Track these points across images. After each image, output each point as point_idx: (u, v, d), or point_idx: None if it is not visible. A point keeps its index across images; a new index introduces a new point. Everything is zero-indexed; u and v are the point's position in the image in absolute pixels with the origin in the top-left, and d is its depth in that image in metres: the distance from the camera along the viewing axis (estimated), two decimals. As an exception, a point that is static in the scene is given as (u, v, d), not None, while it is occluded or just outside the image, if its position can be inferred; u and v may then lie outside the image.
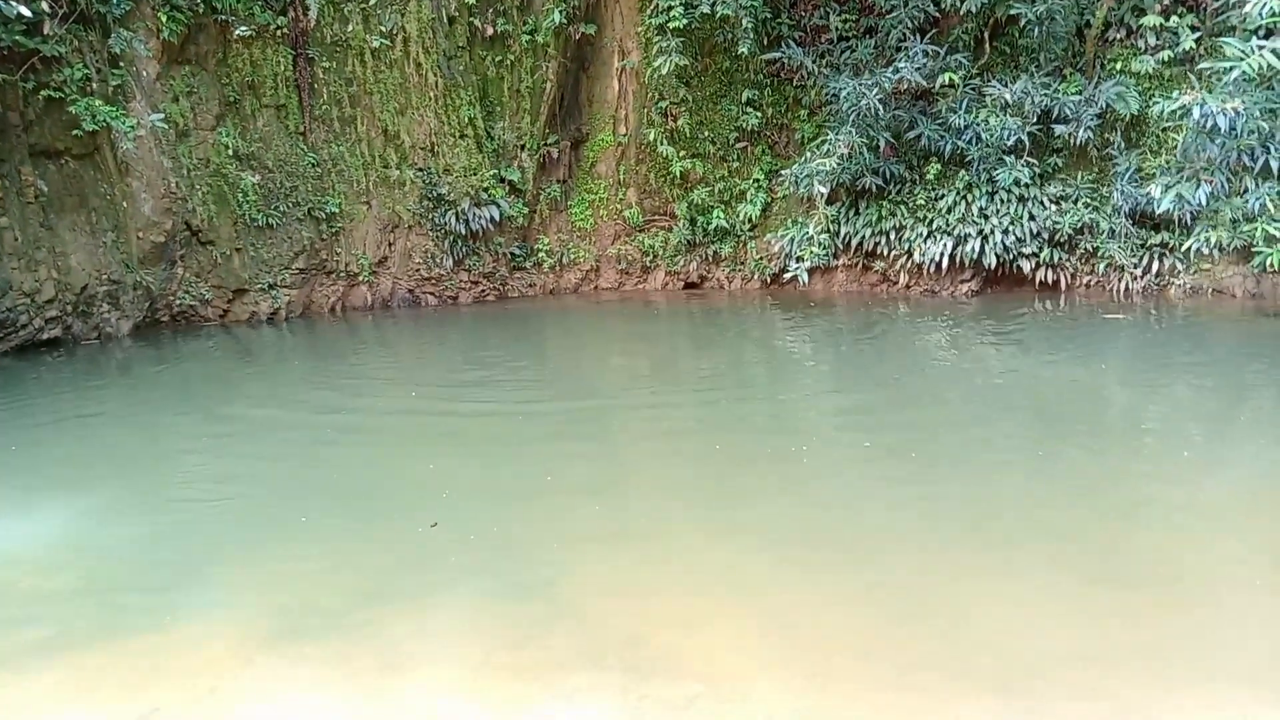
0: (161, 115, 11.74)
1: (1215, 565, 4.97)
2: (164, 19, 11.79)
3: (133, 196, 11.84)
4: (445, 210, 13.97)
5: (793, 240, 13.99)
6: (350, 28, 13.45)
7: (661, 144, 14.78)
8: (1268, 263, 10.42)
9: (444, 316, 13.47)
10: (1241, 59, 9.56)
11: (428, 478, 6.62)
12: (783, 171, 14.16)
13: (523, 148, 14.83)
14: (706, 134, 15.00)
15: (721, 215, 14.85)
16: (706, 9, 13.53)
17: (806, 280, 13.73)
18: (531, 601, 4.72)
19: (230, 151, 12.60)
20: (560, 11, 14.26)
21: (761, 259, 14.80)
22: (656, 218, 15.38)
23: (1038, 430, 7.44)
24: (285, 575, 5.09)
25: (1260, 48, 9.49)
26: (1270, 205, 10.37)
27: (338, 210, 13.44)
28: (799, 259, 13.82)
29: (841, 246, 13.88)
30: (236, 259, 12.77)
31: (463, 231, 14.03)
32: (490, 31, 14.33)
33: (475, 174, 14.20)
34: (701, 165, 14.98)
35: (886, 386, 9.09)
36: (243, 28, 12.53)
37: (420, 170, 13.93)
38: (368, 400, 8.99)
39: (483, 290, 14.53)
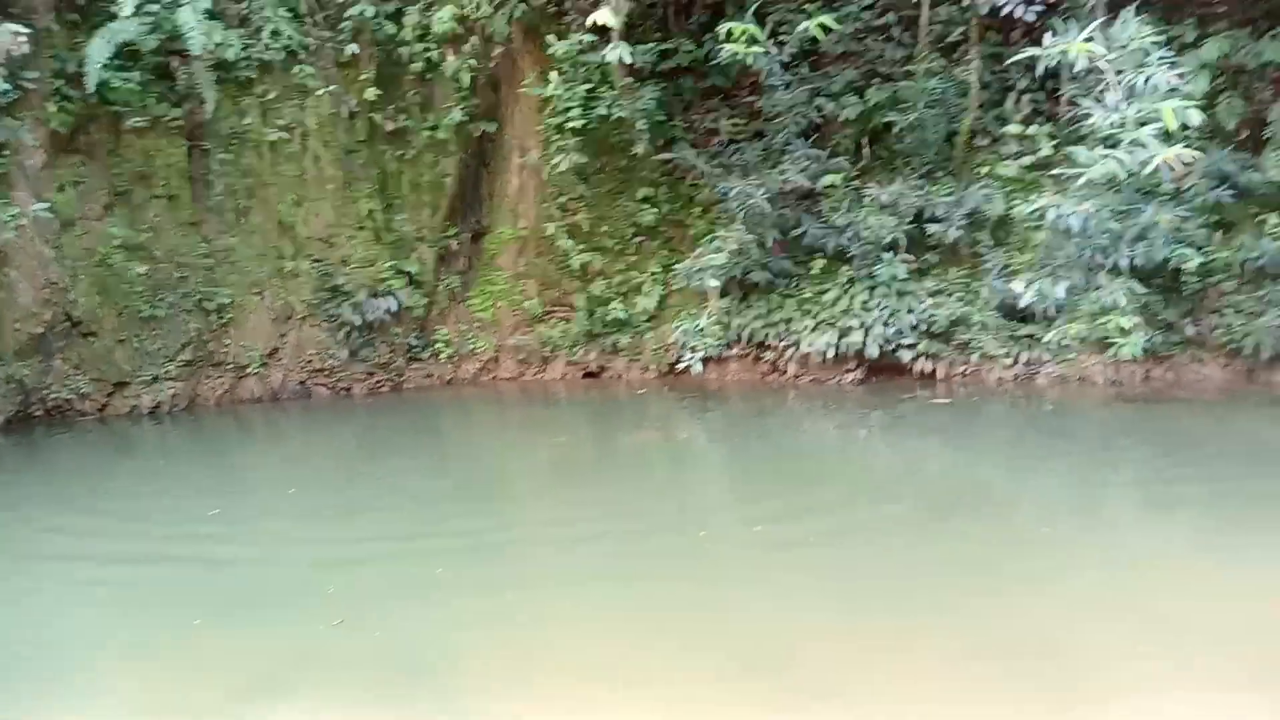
0: (46, 204, 11.52)
1: (1095, 639, 5.26)
2: (53, 109, 11.68)
3: (10, 286, 11.50)
4: (341, 301, 13.92)
5: (687, 332, 14.32)
6: (248, 120, 13.51)
7: (561, 238, 15.09)
8: (1122, 353, 11.20)
9: (337, 409, 13.29)
10: (1089, 166, 10.38)
11: (310, 579, 6.50)
12: (677, 266, 14.58)
13: (422, 240, 14.96)
14: (605, 229, 15.37)
15: (620, 307, 15.13)
16: (604, 110, 14.03)
17: (701, 370, 14.03)
18: (413, 692, 4.71)
19: (118, 242, 12.39)
20: (461, 110, 14.61)
21: (659, 349, 15.07)
22: (556, 309, 15.59)
23: (920, 514, 7.74)
24: (157, 676, 4.95)
25: (1105, 156, 10.32)
26: (1122, 299, 11.17)
27: (229, 301, 13.25)
28: (693, 350, 14.14)
29: (734, 338, 14.27)
30: (119, 351, 12.43)
31: (359, 322, 13.96)
32: (391, 127, 14.57)
33: (373, 265, 14.24)
34: (600, 259, 15.31)
35: (777, 474, 9.34)
36: (136, 119, 12.47)
37: (316, 261, 13.89)
38: (247, 501, 8.79)
39: (378, 381, 14.40)
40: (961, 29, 13.64)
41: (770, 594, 6.10)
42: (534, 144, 15.35)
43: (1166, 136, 9.98)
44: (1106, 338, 11.46)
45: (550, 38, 13.94)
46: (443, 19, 13.98)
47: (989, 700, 4.58)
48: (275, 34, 13.38)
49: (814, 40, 12.71)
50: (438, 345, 15.06)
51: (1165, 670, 4.85)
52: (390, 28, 14.22)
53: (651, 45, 14.14)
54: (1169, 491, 8.21)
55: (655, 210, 15.29)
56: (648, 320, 15.20)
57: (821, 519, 7.58)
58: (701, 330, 14.19)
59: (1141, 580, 6.12)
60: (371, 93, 14.11)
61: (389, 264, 14.39)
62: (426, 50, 14.36)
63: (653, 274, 15.28)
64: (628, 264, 15.43)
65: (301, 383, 13.86)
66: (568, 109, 14.11)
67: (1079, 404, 11.64)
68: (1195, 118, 9.83)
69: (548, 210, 15.31)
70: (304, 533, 7.54)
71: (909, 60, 13.99)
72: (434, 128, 14.75)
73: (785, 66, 13.73)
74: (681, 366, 14.36)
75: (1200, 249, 11.76)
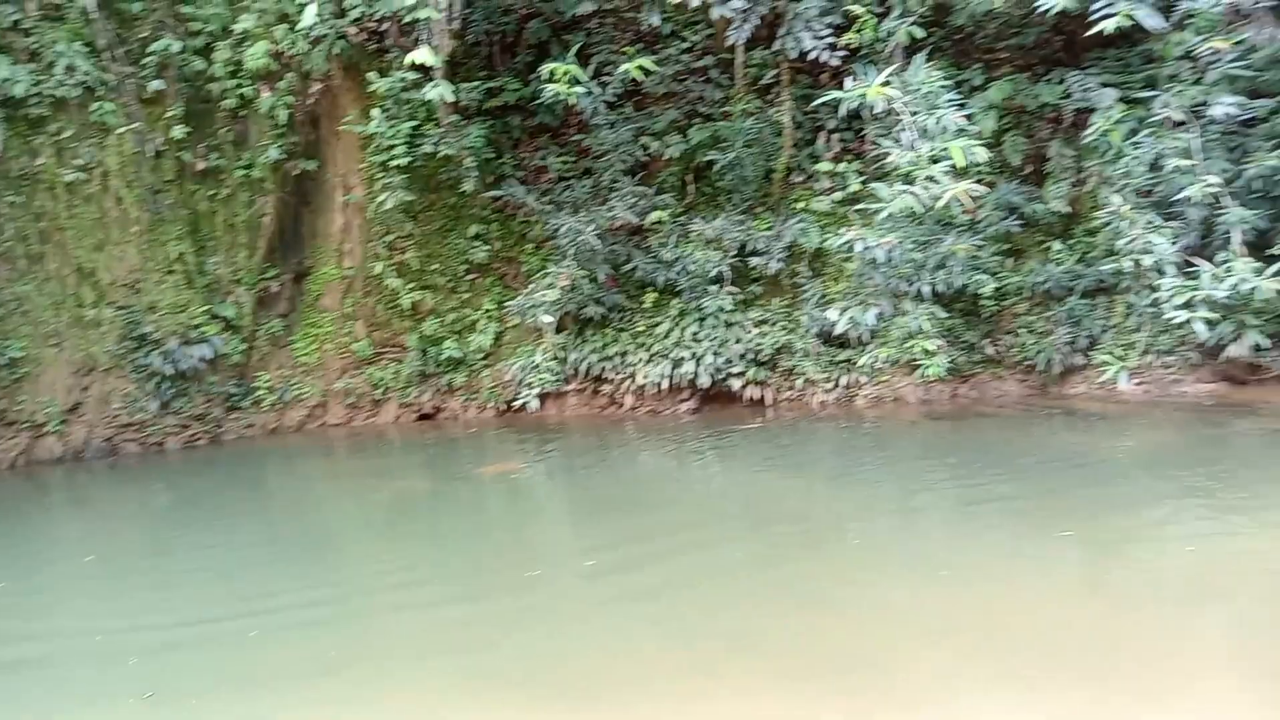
0: None
1: (918, 648, 5.53)
2: None
3: None
4: (149, 350, 13.08)
5: (524, 368, 14.31)
6: (40, 160, 12.61)
7: (389, 277, 14.78)
8: (929, 373, 11.99)
9: (147, 466, 12.44)
10: (890, 201, 11.07)
11: (110, 652, 6.06)
12: (510, 302, 14.53)
13: (239, 282, 14.28)
14: (435, 266, 15.15)
15: (454, 345, 14.92)
16: (430, 148, 13.84)
17: (539, 406, 14.02)
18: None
19: (-114, 293, 11.26)
20: (278, 148, 14.10)
21: (495, 387, 14.94)
22: (386, 350, 15.21)
23: (749, 537, 8.00)
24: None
25: (903, 191, 11.04)
26: (926, 324, 11.97)
27: (22, 354, 12.25)
28: (530, 386, 14.12)
29: (571, 372, 14.35)
30: (-109, 412, 11.26)
31: (170, 372, 13.15)
32: (202, 165, 13.89)
33: (184, 311, 13.48)
34: (432, 296, 15.07)
35: (613, 507, 9.41)
36: (-94, 159, 11.43)
37: (121, 309, 13.03)
38: (40, 572, 8.09)
39: (194, 435, 13.58)
40: (774, 72, 14.34)
41: (602, 627, 6.14)
42: (358, 182, 15.01)
43: (959, 172, 10.75)
44: (914, 360, 12.24)
45: (372, 75, 13.69)
46: (256, 55, 13.50)
47: (824, 715, 4.77)
48: (70, 69, 12.57)
49: (636, 81, 13.05)
50: (259, 392, 14.38)
51: (987, 673, 5.17)
52: (199, 63, 13.61)
53: (476, 83, 14.14)
54: (977, 501, 8.78)
55: (487, 247, 15.21)
56: (483, 358, 15.05)
57: (655, 548, 7.71)
58: (538, 366, 14.20)
59: (956, 587, 6.51)
60: (179, 130, 13.43)
61: (202, 309, 13.67)
62: (240, 86, 13.81)
63: (486, 311, 15.16)
64: (460, 301, 15.26)
65: (108, 439, 12.91)
66: (392, 146, 13.86)
67: (894, 423, 12.34)
68: (983, 155, 10.66)
69: (374, 249, 14.97)
70: (102, 605, 7.00)
71: (727, 101, 14.58)
72: (249, 166, 14.17)
73: (610, 106, 14.02)
74: (519, 403, 14.31)
75: (994, 275, 12.76)
